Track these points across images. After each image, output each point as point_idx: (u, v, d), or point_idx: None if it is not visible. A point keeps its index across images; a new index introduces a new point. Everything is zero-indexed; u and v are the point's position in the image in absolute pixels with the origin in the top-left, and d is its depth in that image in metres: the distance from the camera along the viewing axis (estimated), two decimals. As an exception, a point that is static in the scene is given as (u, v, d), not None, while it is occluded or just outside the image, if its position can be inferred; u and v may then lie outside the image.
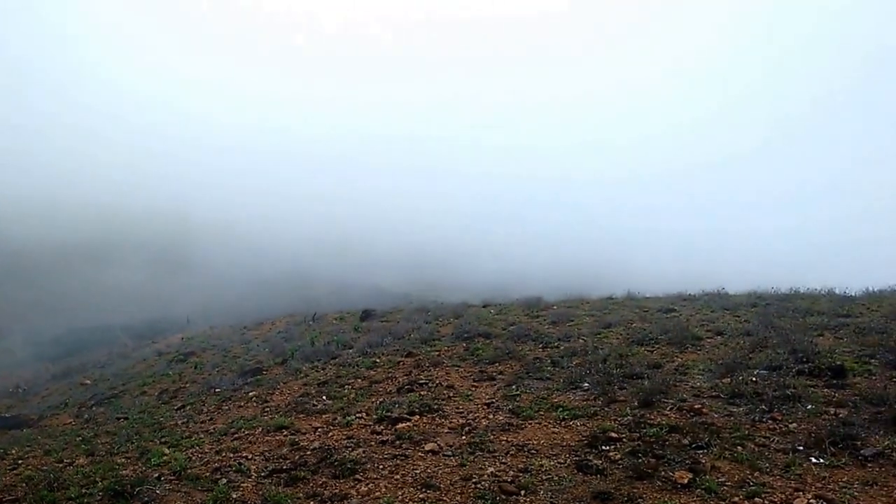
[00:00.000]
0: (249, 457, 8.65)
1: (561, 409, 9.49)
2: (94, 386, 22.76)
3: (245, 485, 7.47)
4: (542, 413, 9.48)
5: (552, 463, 7.50)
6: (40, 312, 75.59)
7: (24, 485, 8.18)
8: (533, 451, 7.92)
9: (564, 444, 8.11)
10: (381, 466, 7.73)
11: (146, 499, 7.06)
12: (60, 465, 9.32)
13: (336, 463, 7.87)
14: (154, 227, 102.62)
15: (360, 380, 13.19)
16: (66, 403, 19.26)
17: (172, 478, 7.88)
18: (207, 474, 7.92)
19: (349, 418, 10.11)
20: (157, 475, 7.98)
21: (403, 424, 9.36)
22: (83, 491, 7.50)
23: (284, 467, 7.96)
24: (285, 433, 9.71)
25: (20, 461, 9.97)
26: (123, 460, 9.21)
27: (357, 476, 7.46)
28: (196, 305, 72.05)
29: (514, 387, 11.08)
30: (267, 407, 12.19)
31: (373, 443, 8.69)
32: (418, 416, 9.72)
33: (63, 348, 49.92)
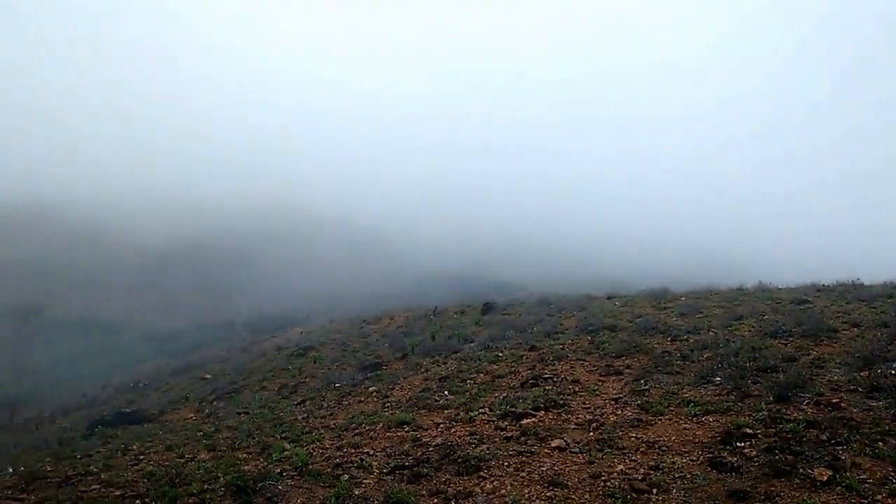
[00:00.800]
0: (371, 453, 8.97)
1: (692, 404, 9.63)
2: (214, 381, 24.70)
3: (367, 481, 7.73)
4: (672, 408, 9.64)
5: (684, 460, 7.65)
6: (160, 309, 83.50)
7: (146, 480, 8.93)
8: (664, 448, 8.08)
9: (697, 440, 8.23)
10: (505, 463, 7.91)
11: (268, 494, 7.45)
12: (182, 461, 10.10)
13: (459, 460, 8.05)
14: (274, 224, 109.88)
15: (482, 374, 13.54)
16: (187, 398, 21.02)
17: (294, 473, 8.28)
18: (329, 470, 8.27)
19: (472, 414, 10.36)
20: (278, 471, 8.41)
21: (528, 420, 9.57)
22: (205, 486, 8.06)
23: (406, 464, 8.20)
24: (407, 429, 10.03)
25: (142, 456, 10.93)
26: (245, 455, 9.83)
27: (481, 473, 7.64)
28: (314, 300, 76.31)
29: (642, 381, 11.28)
30: (387, 402, 12.65)
31: (497, 439, 8.91)
32: (543, 412, 9.96)
33: (182, 344, 54.81)
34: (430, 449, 8.69)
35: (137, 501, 7.84)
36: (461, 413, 10.61)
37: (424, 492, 7.18)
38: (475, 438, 8.98)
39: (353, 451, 9.16)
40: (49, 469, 10.74)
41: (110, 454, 11.46)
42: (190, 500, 7.59)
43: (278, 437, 10.97)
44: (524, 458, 8.03)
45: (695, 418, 9.08)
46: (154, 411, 19.23)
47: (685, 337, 14.78)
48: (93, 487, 8.85)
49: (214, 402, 18.89)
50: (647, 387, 10.93)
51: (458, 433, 9.44)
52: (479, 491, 7.10)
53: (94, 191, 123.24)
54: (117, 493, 8.40)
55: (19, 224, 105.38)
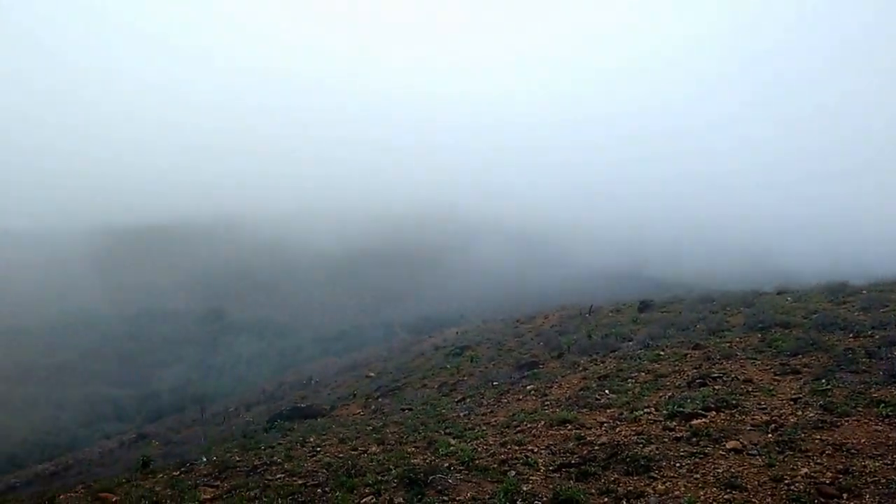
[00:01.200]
0: (535, 450, 9.01)
1: (883, 404, 8.97)
2: (378, 378, 25.81)
3: (534, 478, 7.78)
4: (860, 409, 9.01)
5: (877, 464, 7.15)
6: (327, 311, 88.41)
7: (324, 470, 9.53)
8: (853, 451, 7.58)
9: (891, 442, 7.68)
10: (677, 464, 7.67)
11: (439, 487, 7.71)
12: (355, 453, 10.67)
13: (628, 459, 7.89)
14: (433, 230, 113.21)
15: (643, 373, 13.22)
16: (354, 395, 22.12)
17: (461, 468, 8.50)
18: (495, 466, 8.40)
19: (636, 413, 10.13)
20: (446, 465, 8.67)
21: (699, 421, 9.22)
22: (379, 478, 8.47)
23: (573, 462, 8.15)
24: (569, 427, 9.98)
25: (318, 448, 11.65)
26: (413, 449, 10.21)
27: (652, 474, 7.44)
28: (467, 300, 77.58)
29: (823, 380, 10.61)
30: (547, 400, 12.65)
31: (666, 439, 8.65)
32: (714, 412, 9.56)
33: (347, 343, 57.73)
34: (596, 448, 8.60)
35: (318, 490, 8.36)
36: (625, 412, 10.41)
37: (593, 490, 7.11)
38: (642, 438, 8.78)
39: (516, 447, 9.25)
40: (238, 459, 11.68)
41: (290, 446, 12.27)
42: (366, 490, 7.99)
43: (442, 432, 11.29)
44: (697, 460, 7.77)
45: (887, 419, 8.43)
46: (326, 406, 20.39)
47: (870, 333, 13.72)
48: (277, 476, 9.55)
49: (379, 399, 19.74)
50: (829, 386, 10.23)
51: (623, 433, 9.26)
52: (650, 491, 6.93)
53: (277, 205, 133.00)
54: (299, 481, 9.01)
55: (209, 237, 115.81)
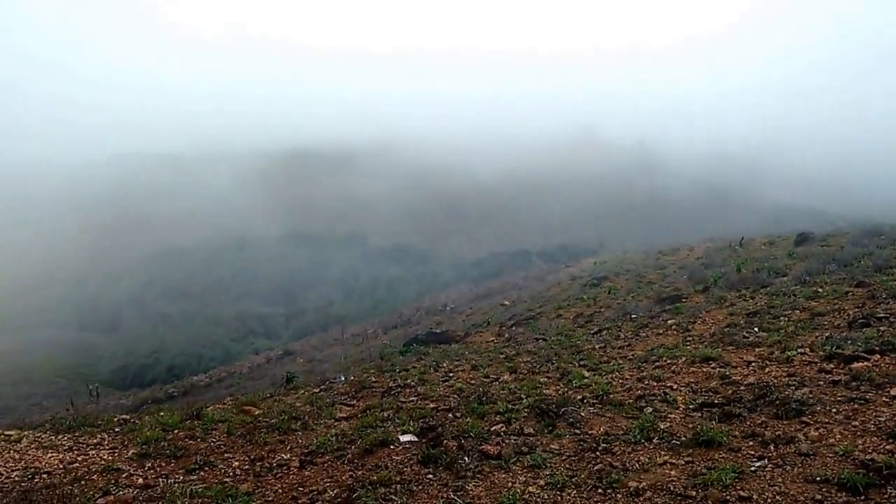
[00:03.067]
0: (674, 387, 8.66)
1: None
2: (512, 307, 25.98)
3: (672, 416, 7.47)
4: None
5: None
6: (464, 238, 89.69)
7: (455, 396, 9.70)
8: None
9: None
10: (833, 410, 7.06)
11: (571, 420, 7.61)
12: (487, 381, 10.79)
13: (777, 402, 7.35)
14: (580, 160, 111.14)
15: (798, 311, 12.32)
16: (488, 322, 22.42)
17: (595, 401, 8.34)
18: (630, 401, 8.17)
19: (789, 353, 9.43)
20: (579, 397, 8.55)
21: (860, 364, 8.43)
22: (509, 406, 8.50)
23: (715, 402, 7.74)
24: (713, 365, 9.48)
25: (451, 374, 11.89)
26: (545, 380, 10.17)
27: (804, 419, 6.89)
28: (607, 230, 75.89)
29: None
30: (689, 336, 12.12)
31: (821, 382, 7.99)
32: (879, 356, 8.67)
33: (484, 271, 58.46)
34: (742, 388, 8.12)
35: (449, 414, 8.52)
36: (775, 352, 9.72)
37: (737, 433, 6.71)
38: (794, 380, 8.16)
39: (654, 383, 8.95)
40: (374, 380, 12.16)
41: (424, 370, 12.62)
42: (496, 419, 8.05)
43: (576, 364, 11.16)
44: (857, 406, 7.08)
45: None
46: (460, 333, 20.82)
47: None
48: (410, 399, 9.85)
49: (513, 328, 19.88)
50: None
51: (773, 373, 8.67)
52: (801, 438, 6.43)
53: (438, 132, 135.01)
54: (431, 405, 9.24)
55: (367, 161, 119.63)
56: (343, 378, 13.08)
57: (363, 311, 55.46)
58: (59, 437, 8.64)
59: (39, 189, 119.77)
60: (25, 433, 9.07)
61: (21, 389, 50.47)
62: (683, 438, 6.68)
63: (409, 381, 11.57)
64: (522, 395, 9.02)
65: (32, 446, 8.13)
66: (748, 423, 6.97)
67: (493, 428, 7.59)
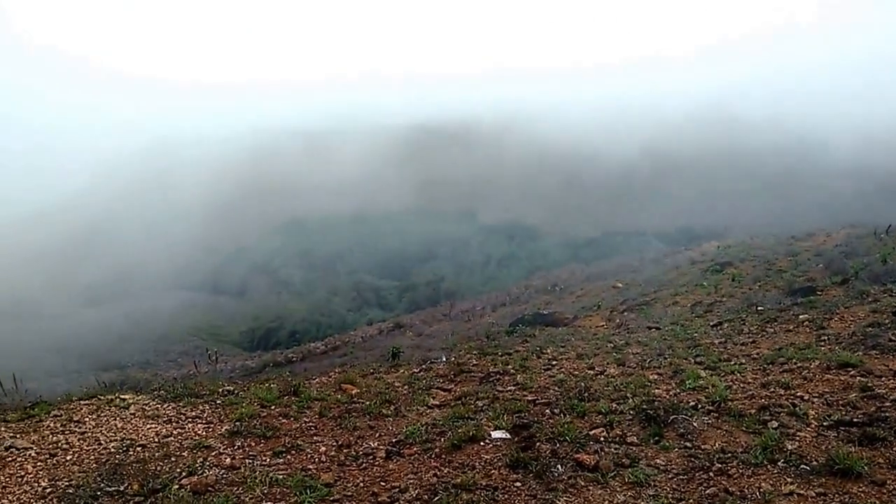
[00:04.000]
0: (805, 397, 7.53)
1: None
2: (625, 290, 24.79)
3: (802, 434, 6.44)
4: None
5: None
6: (577, 215, 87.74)
7: (556, 388, 9.03)
8: None
9: None
10: None
11: (681, 429, 6.74)
12: (591, 373, 10.04)
13: (936, 425, 6.19)
14: (708, 136, 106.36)
15: None
16: (598, 306, 21.40)
17: (711, 409, 7.40)
18: (753, 412, 7.15)
19: None
20: (692, 403, 7.63)
21: None
22: (613, 406, 7.74)
23: (855, 419, 6.60)
24: (852, 373, 8.23)
25: (554, 362, 11.20)
26: (655, 377, 9.29)
27: None
28: (734, 212, 71.84)
29: None
30: (823, 335, 10.76)
31: None
32: None
33: (596, 250, 56.84)
34: (888, 404, 6.94)
35: (547, 410, 7.88)
36: (930, 360, 8.39)
37: (881, 461, 5.66)
38: (955, 398, 6.93)
39: (782, 391, 7.85)
40: (474, 363, 11.69)
41: (527, 355, 11.99)
42: (597, 419, 7.34)
43: (692, 360, 10.18)
44: None
45: None
46: (568, 315, 19.97)
47: None
48: (508, 388, 9.27)
49: (625, 313, 18.84)
50: None
51: (927, 387, 7.42)
52: (964, 472, 5.34)
53: (562, 107, 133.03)
54: (530, 397, 8.63)
55: (486, 137, 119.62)
56: (444, 358, 12.70)
57: (473, 288, 55.33)
58: (165, 405, 8.74)
59: (184, 158, 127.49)
60: (139, 397, 9.26)
61: (160, 346, 54.22)
62: (815, 463, 5.70)
63: (509, 366, 11.00)
64: (628, 394, 8.21)
65: (137, 415, 8.24)
66: (895, 449, 5.91)
67: (593, 432, 6.86)
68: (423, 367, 11.91)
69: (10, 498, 5.79)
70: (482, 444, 6.80)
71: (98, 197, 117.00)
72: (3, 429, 7.68)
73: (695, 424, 6.86)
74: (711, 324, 13.94)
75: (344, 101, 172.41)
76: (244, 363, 36.63)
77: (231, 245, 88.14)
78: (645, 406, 7.43)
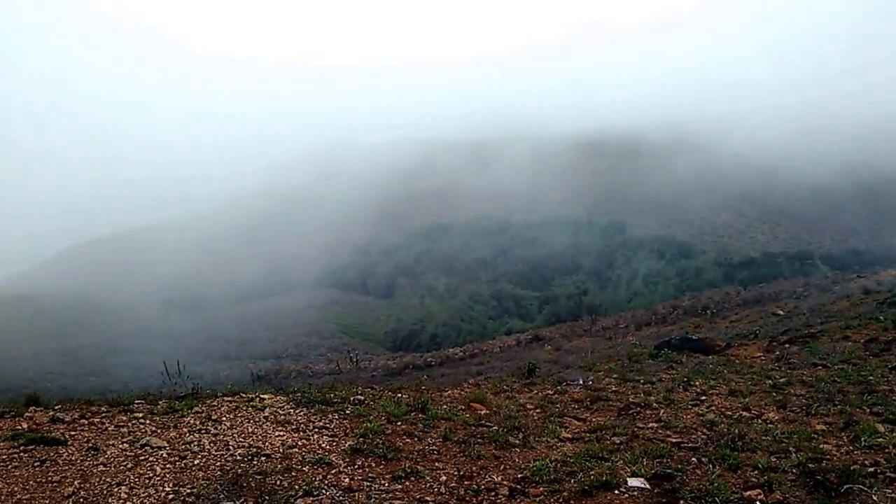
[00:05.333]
0: None
1: None
2: (786, 318, 22.67)
3: None
4: None
5: None
6: (734, 234, 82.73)
7: (704, 431, 8.07)
8: None
9: None
10: None
11: (856, 503, 5.71)
12: (746, 415, 8.94)
13: None
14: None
15: None
16: (756, 334, 19.64)
17: (893, 475, 6.26)
18: (949, 485, 5.96)
19: None
20: (870, 466, 6.47)
21: None
22: (772, 460, 6.72)
23: None
24: None
25: (703, 397, 10.15)
26: (822, 427, 8.07)
27: None
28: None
29: None
30: None
31: None
32: None
33: (754, 272, 53.05)
34: None
35: (693, 458, 7.00)
36: None
37: None
38: None
39: None
40: (613, 389, 10.93)
41: (672, 387, 11.03)
42: (753, 476, 6.38)
43: (867, 410, 8.80)
44: None
45: None
46: (720, 342, 18.45)
47: None
48: (649, 425, 8.45)
49: (786, 345, 17.06)
50: None
51: None
52: None
53: (739, 118, 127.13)
54: (674, 438, 7.78)
55: (653, 149, 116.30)
56: (580, 381, 11.97)
57: (617, 304, 53.36)
58: (297, 410, 8.76)
59: (343, 166, 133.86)
60: (276, 399, 9.37)
61: (311, 340, 56.97)
62: None
63: (651, 397, 10.13)
64: (791, 448, 7.12)
65: (269, 419, 8.28)
66: None
67: (748, 493, 5.90)
68: (558, 388, 11.28)
69: (133, 501, 5.82)
70: (616, 492, 6.07)
71: (264, 196, 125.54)
72: (148, 423, 7.96)
73: (874, 499, 5.72)
74: (890, 366, 12.19)
75: (507, 110, 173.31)
76: (386, 363, 37.52)
77: (379, 248, 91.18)
78: (811, 465, 6.39)
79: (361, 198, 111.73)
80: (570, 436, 8.07)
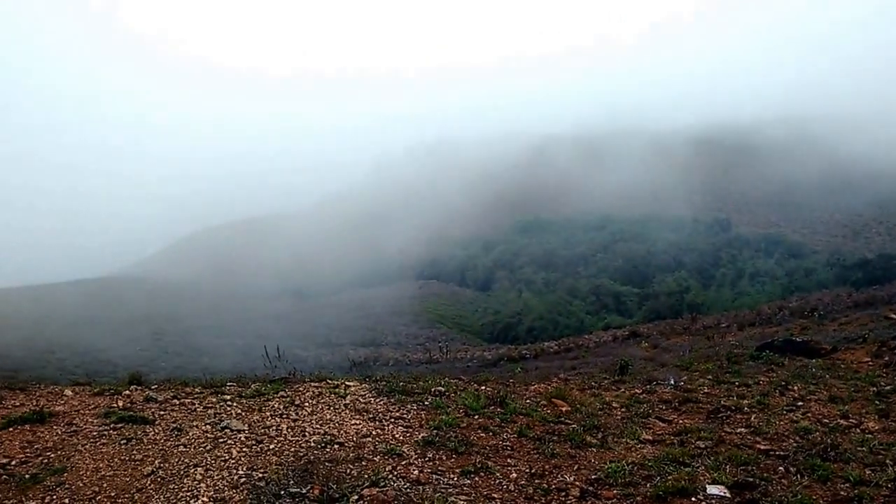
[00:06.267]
0: None
1: None
2: (901, 323, 21.05)
3: None
4: None
5: None
6: (846, 233, 77.48)
7: (796, 438, 7.57)
8: None
9: None
10: None
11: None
12: (844, 423, 8.35)
13: None
14: None
15: None
16: (864, 338, 18.28)
17: None
18: None
19: None
20: (979, 487, 5.93)
21: None
22: (866, 473, 6.24)
23: None
24: None
25: (800, 402, 9.53)
26: (927, 441, 7.47)
27: None
28: None
29: None
30: None
31: None
32: None
33: (869, 274, 49.41)
34: None
35: (780, 467, 6.60)
36: None
37: None
38: None
39: None
40: (705, 391, 10.49)
41: (768, 390, 10.45)
42: (843, 488, 5.94)
43: (983, 425, 8.05)
44: None
45: None
46: (825, 346, 17.30)
47: None
48: (738, 430, 8.03)
49: (897, 350, 15.83)
50: None
51: None
52: None
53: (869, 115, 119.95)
54: (762, 445, 7.36)
55: (771, 145, 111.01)
56: (672, 381, 11.54)
57: (719, 302, 51.08)
58: (377, 399, 8.79)
59: (449, 162, 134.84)
60: (361, 387, 9.49)
61: (410, 329, 57.86)
62: None
63: (744, 401, 9.62)
64: (888, 461, 6.60)
65: (349, 407, 8.35)
66: None
67: (835, 508, 5.54)
68: (647, 388, 10.92)
69: (207, 483, 5.96)
70: (693, 499, 5.79)
71: (371, 189, 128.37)
72: (234, 405, 8.19)
73: (979, 521, 5.23)
74: None
75: (620, 104, 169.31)
76: (482, 354, 37.55)
77: (480, 241, 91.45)
78: (911, 483, 5.89)
79: (465, 193, 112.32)
80: (651, 438, 7.77)
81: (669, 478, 6.16)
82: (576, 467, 6.70)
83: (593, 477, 6.40)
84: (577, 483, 6.24)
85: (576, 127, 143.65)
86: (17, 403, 8.17)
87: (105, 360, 32.17)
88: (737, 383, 11.22)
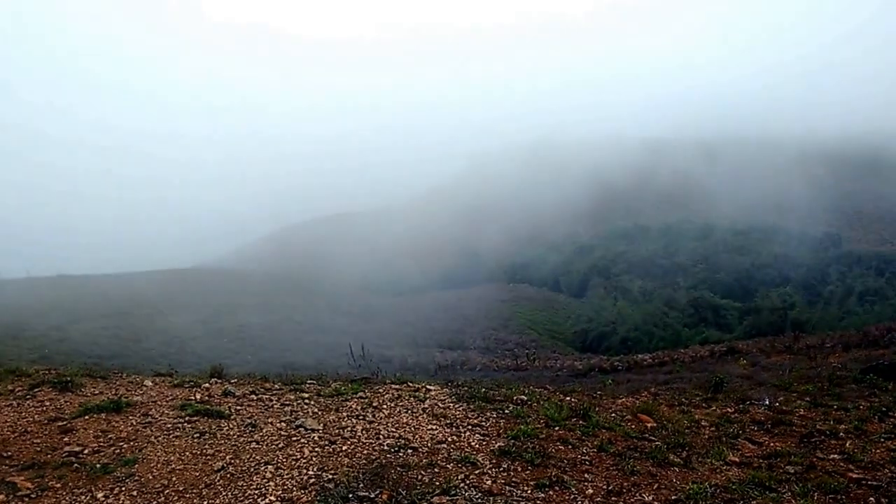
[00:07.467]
0: None
1: None
2: None
3: None
4: None
5: None
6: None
7: (893, 467, 7.17)
8: None
9: None
10: None
11: None
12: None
13: None
14: None
15: None
16: None
17: None
18: None
19: None
20: None
21: None
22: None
23: None
24: None
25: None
26: None
27: None
28: None
29: None
30: None
31: None
32: None
33: None
34: None
35: (872, 498, 6.29)
36: None
37: None
38: None
39: None
40: (800, 413, 10.02)
41: (867, 415, 9.87)
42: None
43: None
44: None
45: None
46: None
47: None
48: (831, 456, 7.64)
49: None
50: None
51: None
52: None
53: None
54: (855, 473, 7.01)
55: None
56: (766, 401, 11.09)
57: (825, 321, 48.01)
58: (456, 405, 8.76)
59: (549, 161, 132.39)
60: (442, 391, 9.48)
61: (499, 334, 57.22)
62: None
63: (841, 425, 9.14)
64: None
65: (426, 412, 8.33)
66: None
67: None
68: (740, 407, 10.54)
69: (276, 482, 5.97)
70: (774, 527, 5.63)
71: (466, 187, 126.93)
72: (312, 404, 8.27)
73: None
74: None
75: (744, 112, 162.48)
76: (573, 363, 36.88)
77: (575, 245, 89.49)
78: None
79: (563, 194, 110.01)
80: (738, 460, 7.52)
81: (753, 502, 5.99)
82: (655, 486, 6.51)
83: (673, 497, 6.22)
84: (656, 503, 6.12)
85: (699, 130, 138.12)
86: (97, 391, 8.34)
87: (190, 351, 32.15)
88: (835, 407, 10.66)
